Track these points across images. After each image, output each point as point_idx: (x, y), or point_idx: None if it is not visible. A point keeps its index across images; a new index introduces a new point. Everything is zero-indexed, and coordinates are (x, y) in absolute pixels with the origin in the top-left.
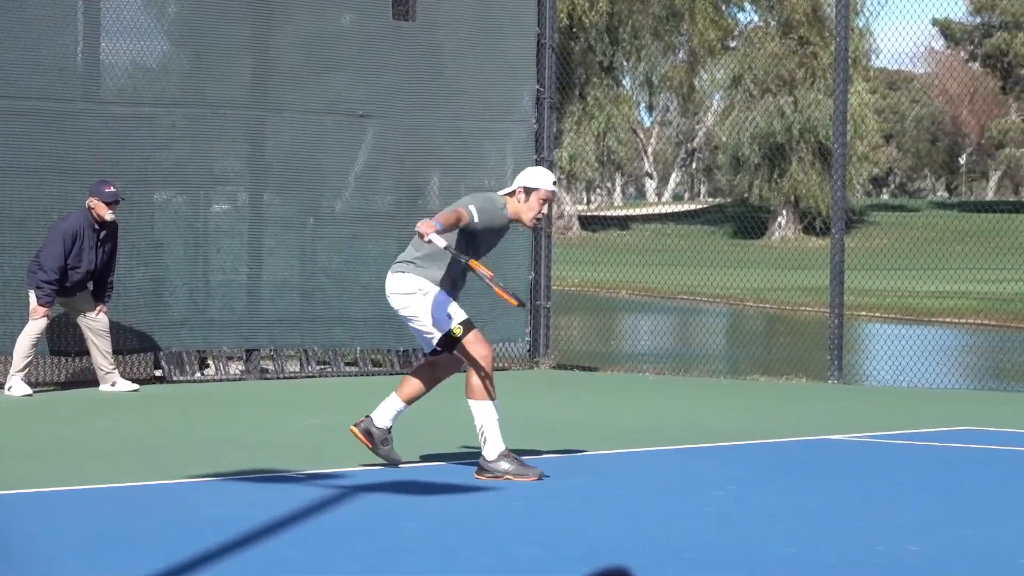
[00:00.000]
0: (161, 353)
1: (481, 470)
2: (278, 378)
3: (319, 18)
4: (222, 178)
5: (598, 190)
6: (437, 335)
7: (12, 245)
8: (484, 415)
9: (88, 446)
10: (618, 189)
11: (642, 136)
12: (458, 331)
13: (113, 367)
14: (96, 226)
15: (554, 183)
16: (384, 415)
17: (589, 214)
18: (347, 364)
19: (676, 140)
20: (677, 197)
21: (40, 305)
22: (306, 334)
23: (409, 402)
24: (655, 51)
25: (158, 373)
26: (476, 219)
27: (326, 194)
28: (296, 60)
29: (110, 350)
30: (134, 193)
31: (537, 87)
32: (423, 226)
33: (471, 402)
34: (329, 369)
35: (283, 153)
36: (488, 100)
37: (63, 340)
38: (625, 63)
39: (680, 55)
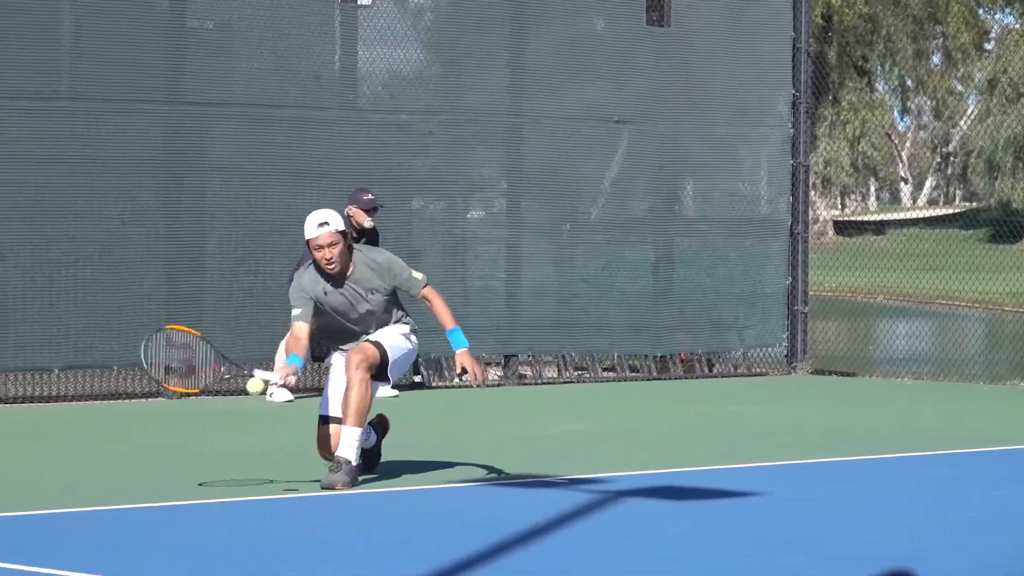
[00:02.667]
0: (420, 359)
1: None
2: (536, 383)
3: (573, 24)
4: (478, 185)
5: (852, 195)
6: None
7: (272, 252)
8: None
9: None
10: (872, 194)
11: (896, 141)
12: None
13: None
14: (355, 233)
15: (321, 224)
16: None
17: (844, 219)
18: (604, 369)
19: (931, 144)
20: (932, 202)
21: None
22: (564, 340)
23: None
24: (910, 54)
25: (417, 379)
26: (298, 312)
27: (582, 200)
28: (551, 67)
29: None
30: (391, 200)
31: (793, 91)
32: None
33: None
34: (587, 375)
35: (539, 159)
36: (743, 105)
37: (324, 347)
38: (880, 67)
39: (935, 58)
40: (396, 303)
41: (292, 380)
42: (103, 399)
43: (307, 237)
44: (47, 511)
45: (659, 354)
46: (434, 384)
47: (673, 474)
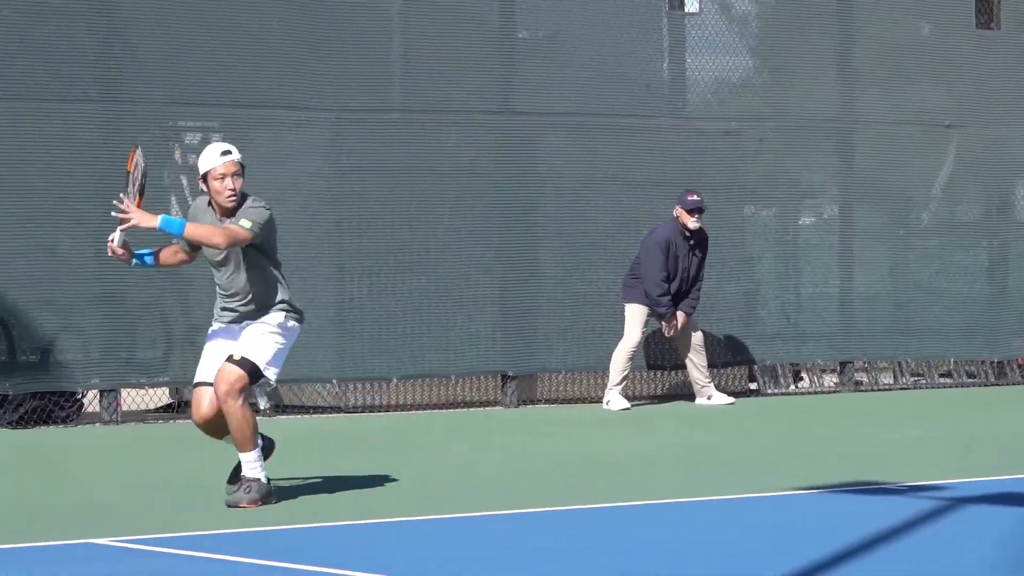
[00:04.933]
0: (755, 366)
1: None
2: (872, 390)
3: (899, 28)
4: (809, 191)
5: None
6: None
7: (603, 259)
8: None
9: (683, 458)
10: None
11: None
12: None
13: (709, 381)
14: (686, 235)
15: (224, 152)
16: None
17: None
18: (941, 375)
19: None
20: None
21: (666, 322)
22: (899, 346)
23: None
24: None
25: (752, 386)
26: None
27: (914, 205)
28: (878, 71)
29: (706, 364)
30: (721, 207)
31: None
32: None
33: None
34: (923, 381)
35: (869, 164)
36: None
37: (659, 354)
38: None
39: None
40: (277, 279)
41: (114, 243)
42: (440, 408)
43: (207, 167)
44: (395, 518)
45: (996, 359)
46: (769, 391)
47: (1015, 480)
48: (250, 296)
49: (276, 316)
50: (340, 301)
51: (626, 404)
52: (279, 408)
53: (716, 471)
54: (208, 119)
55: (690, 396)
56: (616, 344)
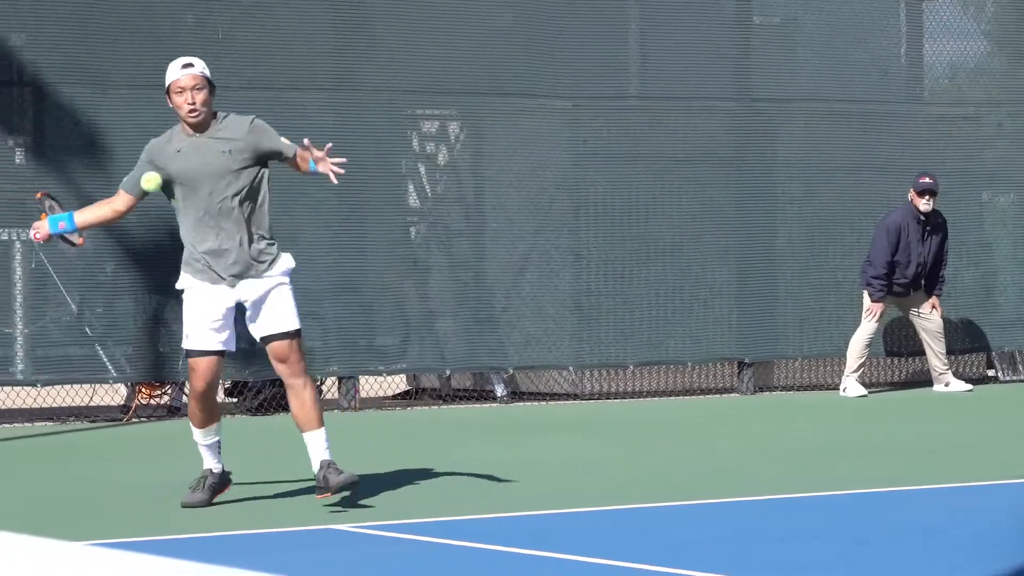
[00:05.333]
0: (993, 353)
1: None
2: None
3: None
4: None
5: None
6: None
7: (840, 246)
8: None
9: (920, 446)
10: None
11: None
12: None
13: (947, 367)
14: (920, 219)
15: (186, 65)
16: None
17: None
18: None
19: None
20: None
21: (873, 303)
22: None
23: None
24: None
25: (991, 373)
26: (127, 178)
27: None
28: None
29: (944, 351)
30: (958, 193)
31: None
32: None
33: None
34: None
35: None
36: None
37: (897, 341)
38: None
39: None
40: (264, 207)
41: (38, 233)
42: (675, 395)
43: (168, 81)
44: (637, 504)
45: None
46: (1007, 378)
47: None
48: (245, 238)
49: (285, 263)
50: (577, 288)
51: (863, 391)
52: (515, 395)
53: (955, 458)
54: (445, 107)
55: (928, 383)
56: (853, 331)
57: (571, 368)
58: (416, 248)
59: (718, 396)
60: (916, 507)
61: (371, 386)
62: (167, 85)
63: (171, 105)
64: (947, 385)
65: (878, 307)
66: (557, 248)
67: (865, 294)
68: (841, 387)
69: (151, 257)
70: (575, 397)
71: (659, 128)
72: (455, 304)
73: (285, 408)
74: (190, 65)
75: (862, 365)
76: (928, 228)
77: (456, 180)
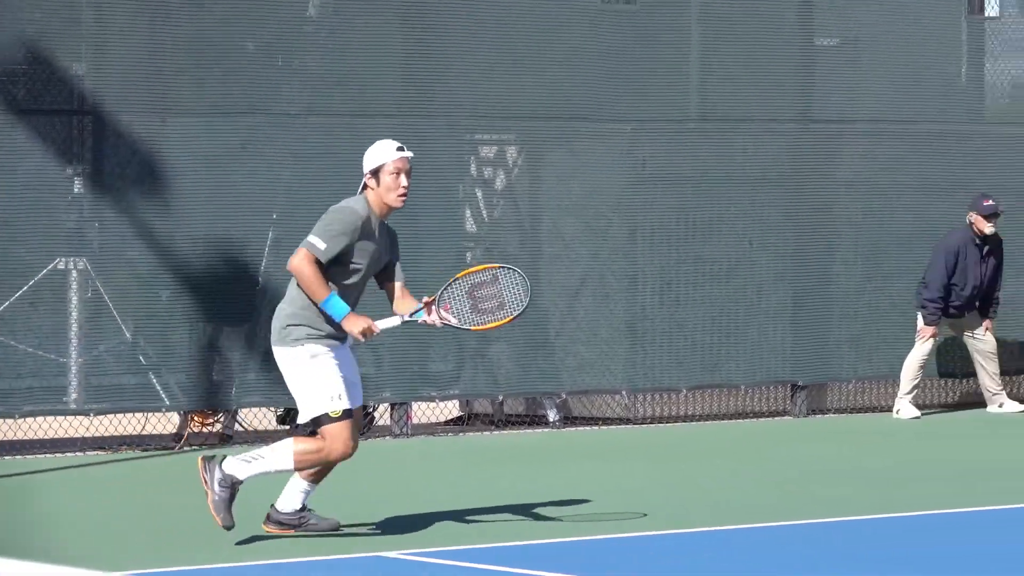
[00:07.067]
0: None
1: (212, 462)
2: None
3: None
4: None
5: None
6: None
7: (898, 268)
8: (276, 457)
9: (975, 468)
10: None
11: None
12: (335, 414)
13: (1000, 388)
14: (978, 241)
15: (399, 148)
16: (289, 500)
17: None
18: None
19: None
20: None
21: (926, 325)
22: None
23: (316, 481)
24: None
25: None
26: (324, 247)
27: None
28: None
29: (997, 372)
30: (1018, 212)
31: None
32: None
33: (289, 440)
34: None
35: None
36: None
37: (950, 362)
38: None
39: None
40: None
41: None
42: (728, 418)
43: (381, 161)
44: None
45: None
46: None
47: None
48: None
49: None
50: (632, 311)
51: (916, 413)
52: (568, 420)
53: (1009, 480)
54: (504, 132)
55: (982, 404)
56: (907, 352)
57: (624, 392)
58: None
59: (771, 419)
60: (973, 530)
61: (423, 412)
62: (378, 164)
63: (372, 183)
64: (1001, 406)
65: (930, 330)
66: (612, 272)
67: (919, 316)
68: (895, 409)
69: (204, 285)
70: (628, 421)
71: (718, 150)
72: (509, 329)
73: None
74: (402, 148)
75: (916, 387)
76: (986, 250)
77: (513, 205)
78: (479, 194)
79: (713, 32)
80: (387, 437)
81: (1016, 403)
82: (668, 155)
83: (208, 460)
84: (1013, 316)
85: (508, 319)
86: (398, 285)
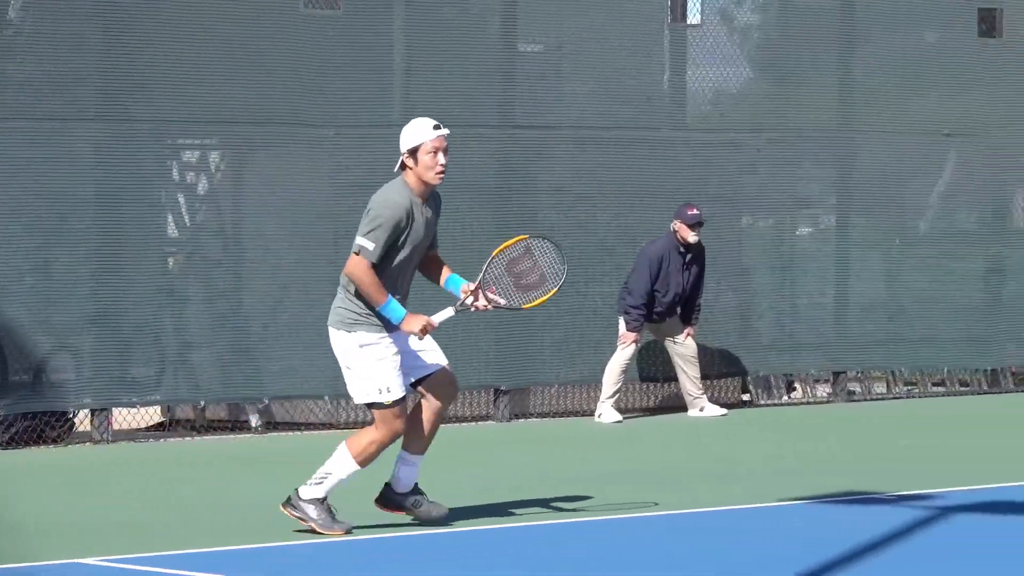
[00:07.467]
0: (748, 377)
1: (288, 503)
2: (865, 400)
3: (903, 37)
4: (806, 201)
5: None
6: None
7: (600, 273)
8: (340, 465)
9: (675, 471)
10: None
11: None
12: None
13: (701, 392)
14: (681, 249)
15: (436, 127)
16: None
17: None
18: (934, 384)
19: None
20: None
21: (628, 330)
22: (893, 356)
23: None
24: None
25: (745, 397)
26: (373, 248)
27: (910, 215)
28: (880, 81)
29: (698, 376)
30: (719, 218)
31: None
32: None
33: (343, 446)
34: (916, 390)
35: (868, 175)
36: None
37: (652, 367)
38: None
39: None
40: None
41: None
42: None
43: (419, 140)
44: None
45: (990, 368)
46: (762, 402)
47: (1005, 489)
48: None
49: None
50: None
51: (618, 417)
52: (270, 425)
53: (708, 483)
54: (207, 136)
55: (683, 408)
56: (610, 357)
57: (327, 398)
58: (173, 278)
59: (474, 424)
60: (669, 532)
61: (124, 418)
62: (416, 144)
63: (410, 162)
64: (702, 410)
65: (632, 336)
66: (316, 278)
67: (621, 321)
68: (597, 413)
69: None
70: (331, 427)
71: None
72: (212, 334)
73: (37, 442)
74: (439, 126)
75: (618, 391)
76: (689, 258)
77: (216, 210)
78: (181, 199)
79: (417, 38)
80: (87, 444)
81: (717, 407)
82: (372, 160)
83: (287, 504)
84: (716, 321)
85: (554, 291)
86: (435, 252)
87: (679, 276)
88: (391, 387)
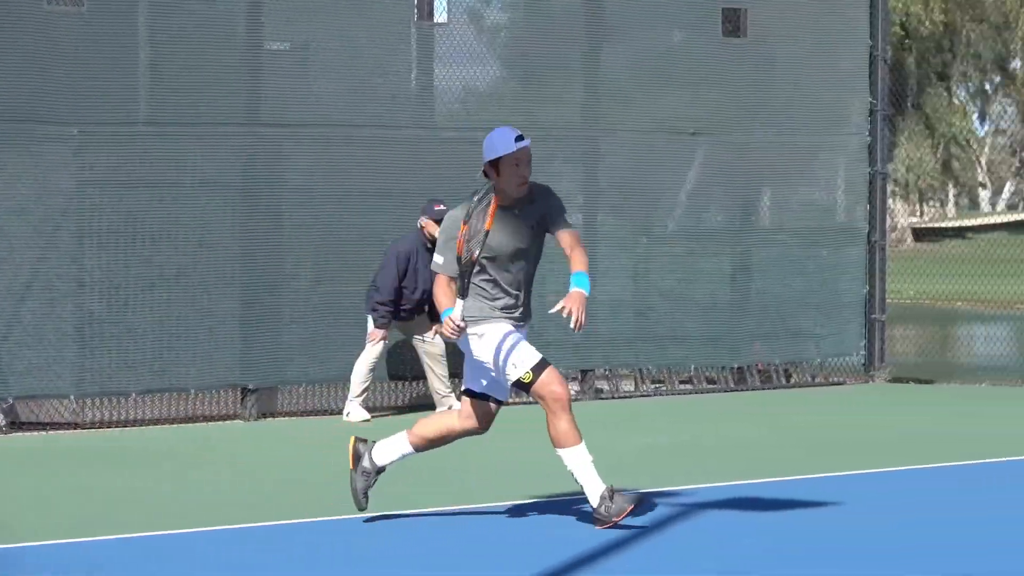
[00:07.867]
0: None
1: (598, 520)
2: (612, 397)
3: (650, 37)
4: None
5: (931, 202)
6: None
7: (348, 271)
8: (574, 463)
9: (414, 468)
10: (951, 200)
11: (976, 146)
12: (527, 377)
13: (449, 390)
14: (429, 246)
15: (519, 138)
16: (386, 453)
17: (923, 226)
18: (681, 382)
19: (1011, 149)
20: (1011, 207)
21: (376, 328)
22: (640, 353)
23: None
24: (990, 59)
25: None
26: (441, 261)
27: (658, 213)
28: (626, 80)
29: (446, 374)
30: None
31: (870, 99)
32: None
33: (559, 451)
34: (663, 388)
35: (615, 173)
36: (819, 114)
37: (400, 365)
38: (961, 73)
39: (1016, 62)
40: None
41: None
42: (179, 422)
43: (500, 152)
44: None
45: (736, 365)
46: (510, 400)
47: (750, 485)
48: (525, 287)
49: None
50: (80, 315)
51: (367, 415)
52: (15, 425)
53: (444, 482)
54: None
55: (432, 406)
56: (358, 355)
57: (72, 397)
58: None
59: (221, 423)
60: (402, 532)
61: None
62: (497, 156)
63: (492, 173)
64: (450, 408)
65: (380, 333)
66: (59, 276)
67: (369, 319)
68: (345, 412)
69: None
70: (76, 426)
71: (167, 154)
72: None
73: None
74: (521, 137)
75: (366, 389)
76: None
77: None
78: None
79: (162, 35)
80: None
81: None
82: (117, 158)
83: (599, 522)
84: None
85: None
86: (565, 241)
87: (427, 273)
88: (527, 358)
